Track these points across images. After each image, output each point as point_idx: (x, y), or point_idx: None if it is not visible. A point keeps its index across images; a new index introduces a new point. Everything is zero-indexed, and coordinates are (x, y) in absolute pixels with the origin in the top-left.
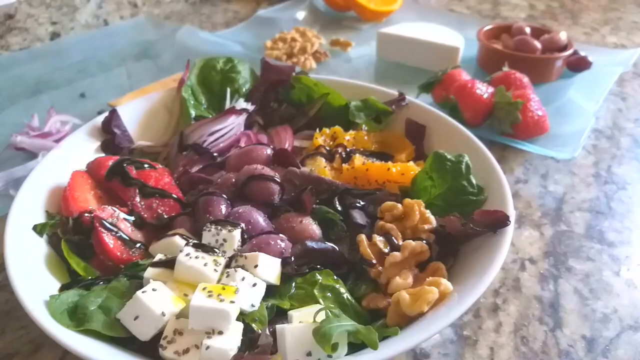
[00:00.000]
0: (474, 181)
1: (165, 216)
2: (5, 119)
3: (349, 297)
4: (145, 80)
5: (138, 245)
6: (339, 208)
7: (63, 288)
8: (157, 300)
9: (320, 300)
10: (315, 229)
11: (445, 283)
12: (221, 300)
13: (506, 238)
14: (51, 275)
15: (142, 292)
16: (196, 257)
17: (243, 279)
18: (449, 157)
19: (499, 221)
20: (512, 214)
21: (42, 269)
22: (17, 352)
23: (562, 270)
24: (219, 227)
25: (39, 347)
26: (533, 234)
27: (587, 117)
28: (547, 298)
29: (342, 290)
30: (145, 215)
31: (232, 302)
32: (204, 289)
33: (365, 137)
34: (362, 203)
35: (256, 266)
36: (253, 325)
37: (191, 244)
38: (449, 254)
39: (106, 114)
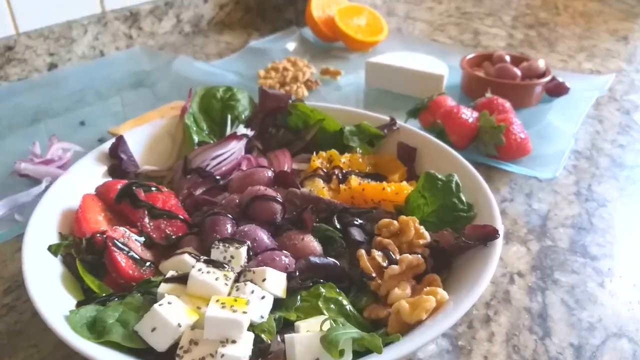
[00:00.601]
0: (463, 198)
1: (173, 236)
2: (6, 147)
3: (351, 309)
4: (143, 108)
5: (148, 263)
6: (338, 226)
7: (80, 304)
8: (173, 312)
9: (325, 312)
10: (316, 245)
11: (441, 292)
12: (234, 311)
13: (496, 250)
14: (67, 293)
15: (159, 305)
16: (207, 272)
17: (252, 292)
18: (439, 176)
19: (489, 235)
20: (500, 227)
21: (59, 286)
22: None
23: (548, 282)
24: (227, 245)
25: None
26: (520, 249)
27: (567, 139)
28: (535, 309)
29: (345, 302)
30: (154, 236)
31: (244, 312)
32: (217, 301)
33: (360, 160)
34: (359, 221)
35: (264, 280)
36: (262, 335)
37: (202, 260)
38: (443, 266)
39: (112, 140)
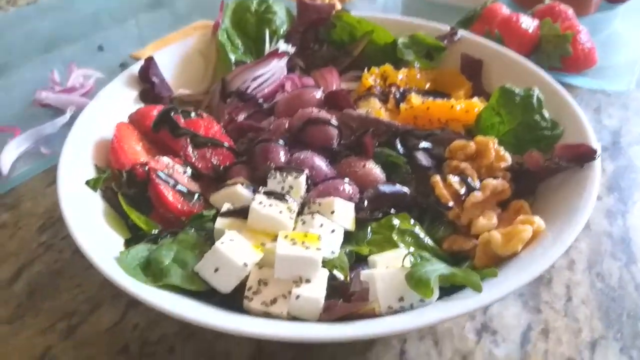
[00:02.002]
0: (547, 115)
1: (221, 166)
2: (24, 76)
3: (429, 241)
4: (162, 30)
5: (197, 196)
6: (402, 150)
7: (129, 242)
8: (236, 250)
9: (401, 245)
10: (379, 172)
11: (538, 221)
12: (306, 248)
13: (595, 172)
14: (112, 231)
15: (221, 242)
16: (270, 205)
17: (321, 225)
18: (517, 91)
19: (585, 154)
20: (597, 146)
21: (102, 224)
22: (75, 311)
23: (628, 204)
24: (284, 174)
25: (98, 305)
26: None
27: (637, 48)
28: (616, 233)
29: (422, 234)
30: (200, 166)
31: (318, 249)
32: (285, 237)
33: (418, 76)
34: (425, 144)
35: (333, 212)
36: (335, 272)
37: (262, 191)
38: (527, 192)
39: (140, 63)
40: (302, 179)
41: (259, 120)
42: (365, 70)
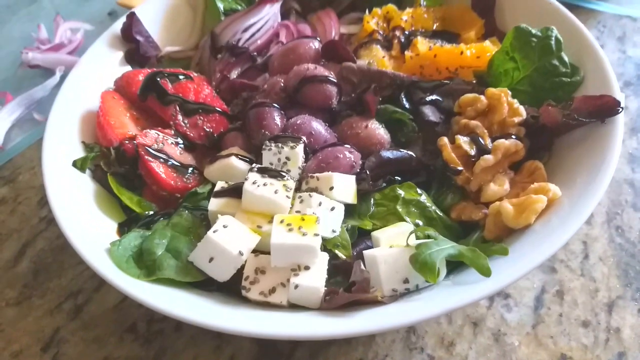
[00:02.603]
0: (566, 59)
1: (214, 134)
2: (9, 33)
3: (436, 210)
4: None
5: (191, 169)
6: (407, 105)
7: (121, 227)
8: (231, 238)
9: (406, 218)
10: (383, 133)
11: (554, 189)
12: (304, 234)
13: (617, 128)
14: (104, 215)
15: (214, 231)
16: (264, 185)
17: (320, 204)
18: (533, 31)
19: (607, 108)
20: (620, 97)
21: (93, 208)
22: (80, 289)
23: None
24: (280, 144)
25: (103, 282)
26: None
27: None
28: (639, 181)
29: (428, 203)
30: (192, 135)
31: (315, 234)
32: (281, 221)
33: (425, 15)
34: (433, 97)
35: (331, 188)
36: (336, 251)
37: (255, 169)
38: (542, 148)
39: (123, 19)
40: (299, 149)
41: (252, 77)
42: (367, 11)
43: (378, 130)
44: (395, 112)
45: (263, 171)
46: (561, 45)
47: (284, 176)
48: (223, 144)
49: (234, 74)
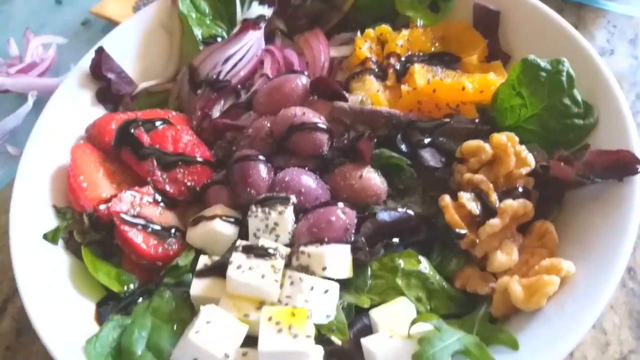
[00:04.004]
0: (578, 97)
1: (197, 187)
2: None
3: (438, 280)
4: None
5: (173, 231)
6: (404, 148)
7: (100, 308)
8: (215, 337)
9: (405, 291)
10: (379, 183)
11: (567, 267)
12: (295, 336)
13: (636, 190)
14: (80, 294)
15: (195, 332)
16: (250, 269)
17: (312, 288)
18: (542, 64)
19: (625, 165)
20: (639, 150)
21: (68, 288)
22: None
23: None
24: (267, 209)
25: None
26: None
27: None
28: None
29: (429, 272)
30: (172, 191)
31: (307, 336)
32: (269, 319)
33: (423, 37)
34: (432, 138)
35: (324, 268)
36: (332, 337)
37: (240, 248)
38: (552, 201)
39: (92, 55)
40: (288, 213)
41: (237, 115)
42: (358, 33)
43: (374, 180)
44: (392, 157)
45: (248, 250)
46: (573, 82)
47: (272, 254)
48: (206, 198)
49: (216, 111)
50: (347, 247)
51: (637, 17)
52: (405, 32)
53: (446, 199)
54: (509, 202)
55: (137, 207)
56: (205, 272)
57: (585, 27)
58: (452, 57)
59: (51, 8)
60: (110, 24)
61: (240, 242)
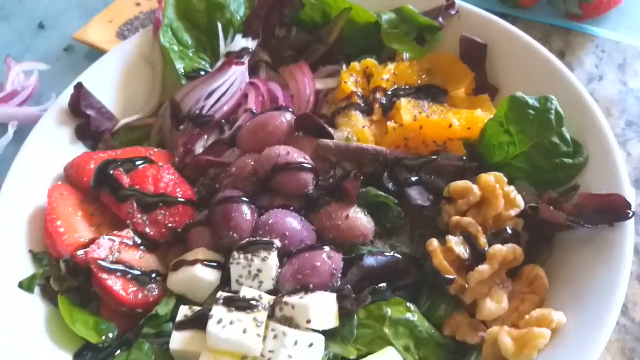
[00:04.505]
0: (567, 136)
1: (178, 229)
2: None
3: (427, 329)
4: None
5: (153, 275)
6: (391, 186)
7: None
8: None
9: (392, 340)
10: (366, 223)
11: (557, 319)
12: None
13: (627, 236)
14: (57, 346)
15: None
16: (231, 323)
17: (296, 342)
18: (530, 102)
19: (616, 209)
20: (630, 194)
21: (44, 339)
22: None
23: None
24: (249, 256)
25: None
26: None
27: None
28: None
29: (417, 320)
30: (152, 233)
31: None
32: None
33: (409, 70)
34: (419, 176)
35: (309, 321)
36: None
37: (221, 300)
38: (542, 242)
39: (71, 90)
40: (272, 259)
41: (220, 152)
42: (344, 66)
43: (360, 220)
44: (379, 196)
45: (229, 302)
46: (562, 120)
47: (254, 306)
48: (188, 239)
49: (199, 146)
50: (333, 296)
51: (625, 43)
52: (391, 66)
53: (434, 243)
54: (498, 248)
55: (116, 252)
56: (185, 324)
57: (574, 52)
58: (439, 89)
59: (34, 32)
60: (93, 50)
61: (221, 294)
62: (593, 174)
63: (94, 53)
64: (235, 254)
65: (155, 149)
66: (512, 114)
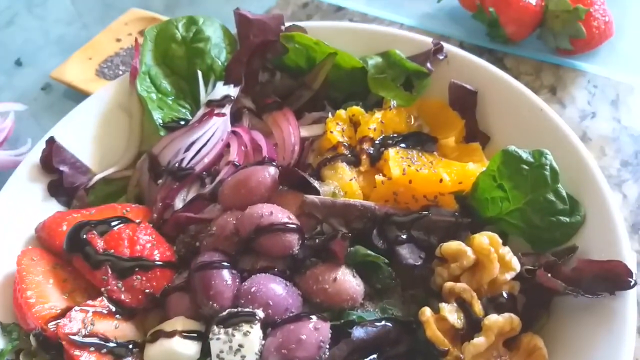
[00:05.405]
0: (564, 193)
1: (156, 294)
2: None
3: None
4: (91, 24)
5: (130, 346)
6: (381, 245)
7: None
8: None
9: None
10: (355, 286)
11: None
12: None
13: (628, 305)
14: None
15: None
16: None
17: None
18: (524, 157)
19: (616, 277)
20: (631, 259)
21: None
22: None
23: None
24: (230, 331)
25: None
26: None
27: None
28: None
29: None
30: (129, 301)
31: None
32: None
33: (397, 118)
34: (410, 233)
35: None
36: None
37: None
38: (540, 306)
39: (42, 145)
40: (255, 334)
41: (200, 208)
42: (330, 113)
43: (349, 282)
44: (368, 256)
45: None
46: (557, 177)
47: None
48: (166, 306)
49: (178, 201)
50: None
51: (615, 79)
52: (378, 115)
53: (426, 313)
54: (494, 319)
55: (89, 324)
56: None
57: (565, 88)
58: (428, 137)
59: (10, 70)
60: (72, 89)
61: None
62: (591, 235)
63: (73, 92)
64: (215, 328)
65: (132, 205)
66: (505, 169)
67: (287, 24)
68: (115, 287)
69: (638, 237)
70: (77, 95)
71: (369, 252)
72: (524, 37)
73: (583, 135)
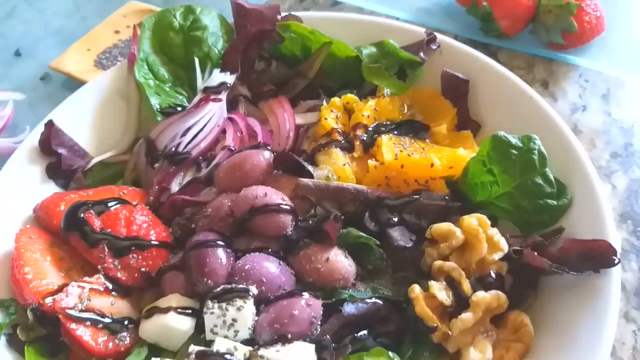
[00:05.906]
0: (551, 177)
1: (152, 273)
2: None
3: None
4: (90, 17)
5: (125, 322)
6: (373, 227)
7: None
8: None
9: None
10: (347, 266)
11: None
12: None
13: (613, 283)
14: None
15: None
16: None
17: None
18: (513, 142)
19: (601, 255)
20: (615, 239)
21: None
22: None
23: None
24: (224, 305)
25: None
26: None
27: None
28: (631, 281)
29: None
30: (125, 279)
31: None
32: None
33: (390, 106)
34: (401, 216)
35: None
36: None
37: (193, 355)
38: (527, 286)
39: (41, 128)
40: (248, 308)
41: (196, 191)
42: (324, 101)
43: (341, 263)
44: (360, 237)
45: (202, 357)
46: (545, 161)
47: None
48: (162, 284)
49: (175, 185)
50: (311, 348)
51: (606, 74)
52: (372, 102)
53: (416, 289)
54: (482, 295)
55: (86, 300)
56: None
57: (557, 82)
58: (421, 125)
59: (10, 61)
60: (71, 80)
61: (194, 349)
62: (578, 217)
63: (71, 82)
64: (210, 303)
65: (129, 188)
66: (494, 154)
67: (283, 14)
68: (112, 265)
69: (626, 227)
70: (75, 85)
71: (361, 233)
72: (517, 31)
73: (574, 127)
